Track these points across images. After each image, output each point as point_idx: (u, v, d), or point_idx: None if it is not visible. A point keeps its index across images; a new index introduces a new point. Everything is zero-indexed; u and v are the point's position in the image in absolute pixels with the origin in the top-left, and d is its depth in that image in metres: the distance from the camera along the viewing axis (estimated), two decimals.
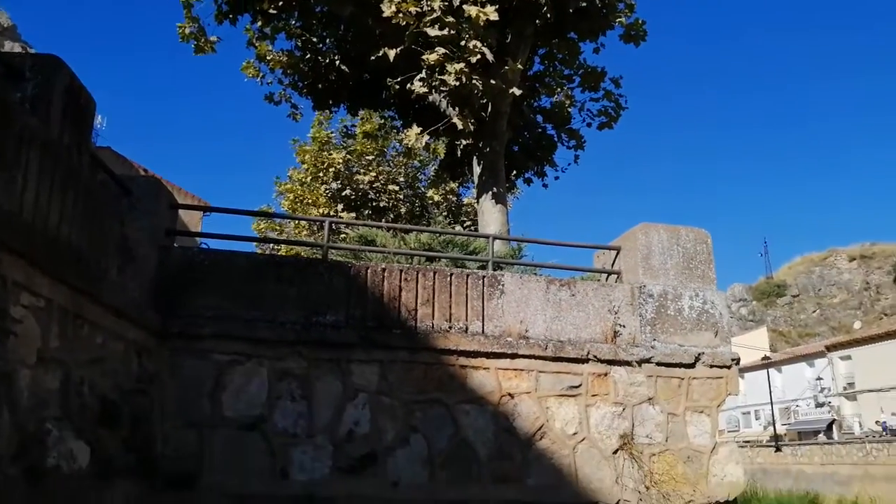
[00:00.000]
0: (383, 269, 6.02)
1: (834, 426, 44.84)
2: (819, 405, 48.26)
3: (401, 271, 6.04)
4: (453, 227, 15.14)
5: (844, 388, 47.54)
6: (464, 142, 9.86)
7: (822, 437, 41.22)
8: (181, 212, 7.96)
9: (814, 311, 72.24)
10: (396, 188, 17.93)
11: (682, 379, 6.17)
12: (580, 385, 5.99)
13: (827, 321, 70.61)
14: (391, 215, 17.16)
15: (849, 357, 47.76)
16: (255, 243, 14.56)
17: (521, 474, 5.66)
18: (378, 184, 17.85)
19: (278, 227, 19.31)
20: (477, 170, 10.14)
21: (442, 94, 9.01)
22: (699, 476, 5.87)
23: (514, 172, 11.73)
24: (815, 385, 49.79)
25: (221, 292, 5.68)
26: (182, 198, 17.52)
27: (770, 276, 79.32)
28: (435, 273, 6.13)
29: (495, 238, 7.35)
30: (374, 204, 17.79)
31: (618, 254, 6.94)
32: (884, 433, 35.92)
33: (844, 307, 70.80)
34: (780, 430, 44.80)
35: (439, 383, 5.78)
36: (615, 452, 5.80)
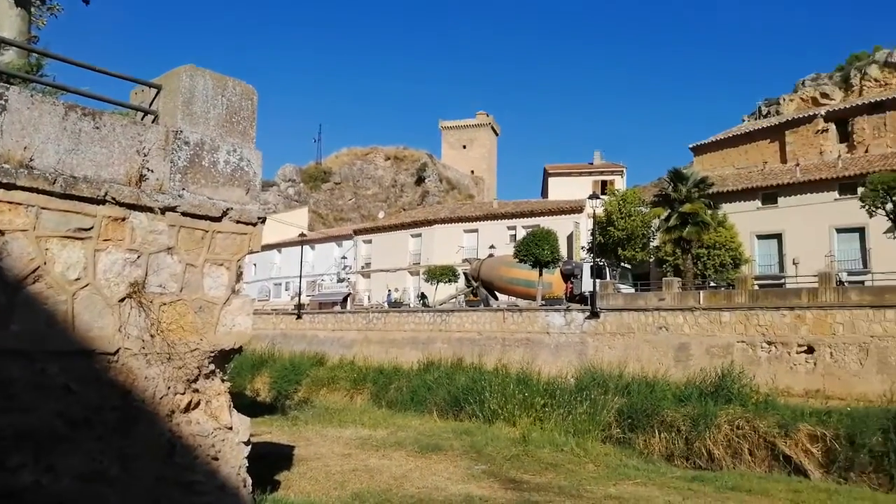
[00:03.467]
0: None
1: (349, 299, 51.91)
2: (340, 280, 55.14)
3: None
4: None
5: (363, 267, 55.20)
6: None
7: (337, 308, 47.26)
8: None
9: (350, 199, 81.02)
10: None
11: (207, 231, 6.09)
12: (91, 228, 5.38)
13: (359, 209, 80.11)
14: None
15: (370, 241, 55.39)
16: None
17: (5, 320, 4.89)
18: None
19: None
20: None
21: None
22: (208, 325, 5.98)
23: None
24: (339, 263, 56.53)
25: None
26: None
27: (319, 161, 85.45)
28: None
29: (4, 42, 5.93)
30: None
31: (158, 93, 6.33)
32: (384, 305, 43.10)
33: (375, 199, 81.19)
34: (305, 300, 49.78)
35: None
36: (122, 300, 5.45)
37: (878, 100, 41.37)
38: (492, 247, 43.60)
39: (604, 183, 54.98)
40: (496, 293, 39.13)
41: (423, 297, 42.56)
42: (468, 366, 26.46)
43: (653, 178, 56.12)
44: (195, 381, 5.91)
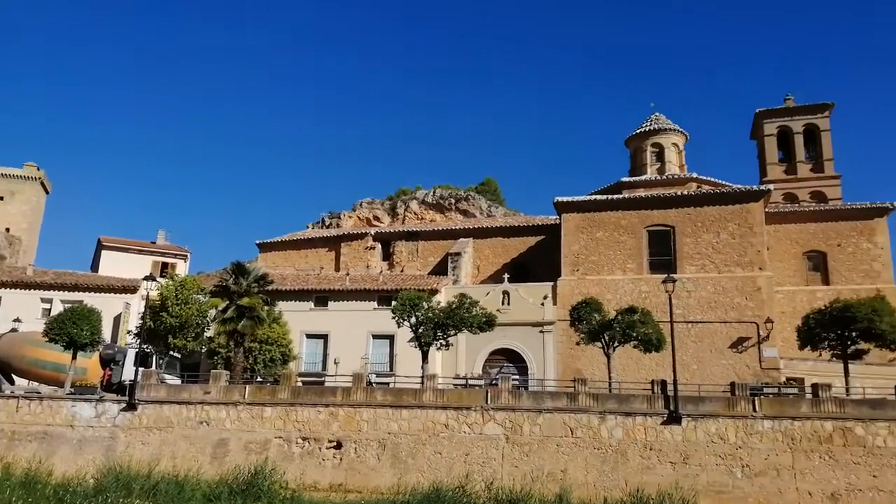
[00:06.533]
0: None
1: None
2: None
3: None
4: None
5: None
6: None
7: None
8: None
9: None
10: None
11: None
12: None
13: None
14: None
15: None
16: None
17: None
18: None
19: None
20: None
21: None
22: None
23: None
24: None
25: None
26: None
27: None
28: None
29: None
30: None
31: None
32: None
33: None
34: None
35: None
36: None
37: (414, 230, 49.63)
38: (17, 320, 36.90)
39: (165, 265, 52.39)
40: (14, 376, 32.94)
41: None
42: None
43: (220, 267, 55.76)
44: None
